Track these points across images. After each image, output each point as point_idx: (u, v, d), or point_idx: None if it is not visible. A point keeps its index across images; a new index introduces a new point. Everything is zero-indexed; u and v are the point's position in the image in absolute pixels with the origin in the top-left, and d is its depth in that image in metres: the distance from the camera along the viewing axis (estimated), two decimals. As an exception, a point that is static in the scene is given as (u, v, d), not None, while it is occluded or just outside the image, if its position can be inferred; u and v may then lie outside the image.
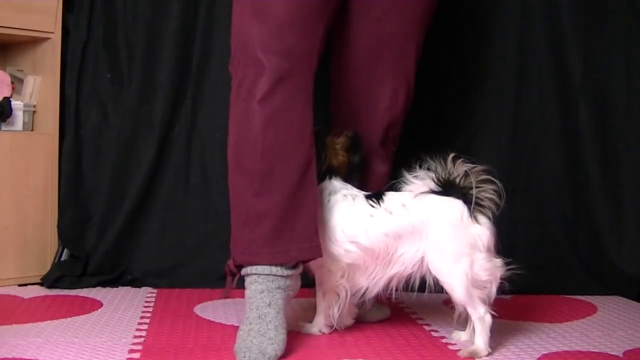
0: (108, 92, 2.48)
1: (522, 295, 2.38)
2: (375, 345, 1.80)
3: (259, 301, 1.70)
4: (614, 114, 2.57)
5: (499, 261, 1.80)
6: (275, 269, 1.71)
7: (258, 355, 1.63)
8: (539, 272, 2.53)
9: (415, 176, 1.81)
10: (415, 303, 2.26)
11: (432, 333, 1.92)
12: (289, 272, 1.73)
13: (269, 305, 1.69)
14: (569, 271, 2.54)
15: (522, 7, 2.57)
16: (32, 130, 2.43)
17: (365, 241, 1.80)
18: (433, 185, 1.80)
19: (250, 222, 1.73)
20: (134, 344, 1.75)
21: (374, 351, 1.75)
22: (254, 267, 1.72)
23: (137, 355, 1.66)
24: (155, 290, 2.33)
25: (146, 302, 2.19)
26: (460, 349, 1.77)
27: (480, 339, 1.75)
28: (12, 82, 2.45)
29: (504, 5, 2.57)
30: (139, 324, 1.93)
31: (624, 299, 2.39)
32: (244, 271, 1.75)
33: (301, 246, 1.73)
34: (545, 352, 1.77)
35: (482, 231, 1.78)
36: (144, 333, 1.84)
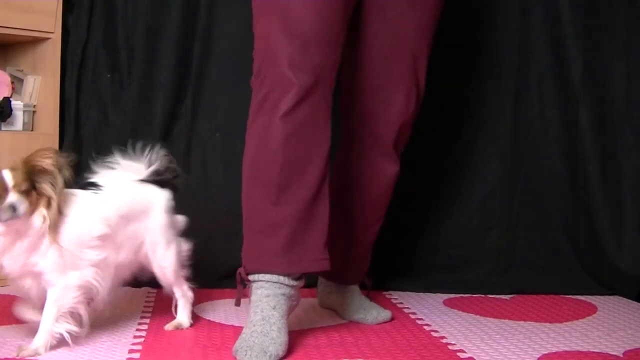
0: (108, 92, 2.48)
1: (522, 295, 2.39)
2: (375, 345, 1.80)
3: (264, 304, 1.72)
4: (614, 114, 2.57)
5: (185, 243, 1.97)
6: (283, 278, 1.74)
7: (260, 353, 1.63)
8: (539, 272, 2.53)
9: (120, 165, 1.90)
10: (415, 303, 2.26)
11: (432, 333, 1.92)
12: (295, 282, 1.76)
13: (273, 309, 1.72)
14: (569, 271, 2.54)
15: (522, 7, 2.57)
16: (32, 130, 2.43)
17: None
18: (141, 174, 1.90)
19: (265, 231, 1.76)
20: (134, 344, 1.75)
21: (374, 351, 1.75)
22: (264, 274, 1.75)
23: (137, 355, 1.66)
24: (155, 290, 2.33)
25: (146, 302, 2.19)
26: (462, 348, 1.77)
27: (184, 313, 1.93)
28: (12, 82, 2.45)
29: (504, 5, 2.57)
30: (139, 324, 1.93)
31: (624, 299, 2.39)
32: (252, 277, 1.76)
33: (314, 257, 1.77)
34: (545, 352, 1.77)
35: (182, 217, 1.96)
36: (144, 333, 1.84)
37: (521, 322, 2.06)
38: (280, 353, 1.67)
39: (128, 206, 1.83)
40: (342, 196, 2.03)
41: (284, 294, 1.74)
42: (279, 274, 1.74)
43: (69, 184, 1.72)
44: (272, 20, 1.75)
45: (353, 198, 2.04)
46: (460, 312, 2.17)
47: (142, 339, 1.78)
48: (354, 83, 1.96)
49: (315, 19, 1.73)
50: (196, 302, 2.19)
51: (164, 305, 2.15)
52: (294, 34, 1.72)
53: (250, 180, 1.79)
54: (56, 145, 2.42)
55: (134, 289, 2.36)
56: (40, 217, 1.64)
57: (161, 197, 1.90)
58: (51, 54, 2.41)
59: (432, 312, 2.15)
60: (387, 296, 2.32)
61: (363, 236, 2.07)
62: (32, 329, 1.69)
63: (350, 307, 2.06)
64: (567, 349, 1.80)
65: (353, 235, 2.06)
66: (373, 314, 2.03)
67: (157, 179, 1.92)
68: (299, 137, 1.73)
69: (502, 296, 2.39)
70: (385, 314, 2.04)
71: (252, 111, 1.78)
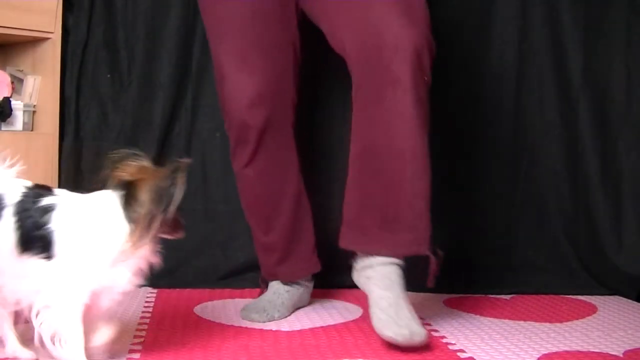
0: (108, 92, 2.48)
1: (522, 295, 2.39)
2: (375, 345, 1.80)
3: (279, 286, 2.10)
4: (614, 114, 2.57)
5: None
6: (285, 284, 2.12)
7: (259, 310, 2.01)
8: (539, 272, 2.53)
9: None
10: (416, 303, 2.25)
11: (432, 333, 1.92)
12: (301, 283, 2.14)
13: (287, 292, 2.09)
14: (569, 271, 2.54)
15: (522, 7, 2.57)
16: (32, 130, 2.43)
17: None
18: None
19: (264, 251, 2.13)
20: (134, 344, 1.74)
21: (374, 351, 1.75)
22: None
23: (137, 355, 1.66)
24: (155, 290, 2.33)
25: (146, 302, 2.19)
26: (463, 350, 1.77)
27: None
28: (12, 82, 2.45)
29: (504, 5, 2.57)
30: (139, 324, 1.93)
31: (624, 299, 2.39)
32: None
33: (303, 266, 2.12)
34: (545, 352, 1.77)
35: None
36: (144, 333, 1.84)
37: (521, 322, 2.06)
38: (276, 317, 2.01)
39: None
40: (369, 152, 1.80)
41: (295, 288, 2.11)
42: (280, 283, 2.11)
43: None
44: (220, 84, 1.98)
45: (380, 149, 1.77)
46: (460, 312, 2.16)
47: (142, 339, 1.78)
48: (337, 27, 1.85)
49: (256, 82, 1.93)
50: (196, 302, 2.20)
51: (163, 305, 2.16)
52: (238, 96, 1.94)
53: (244, 210, 2.11)
54: (56, 145, 2.42)
55: (133, 289, 2.37)
56: None
57: None
58: (51, 54, 2.41)
59: (432, 312, 2.15)
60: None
61: (406, 193, 1.76)
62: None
63: (382, 317, 1.73)
64: (567, 349, 1.80)
65: (394, 193, 1.77)
66: (404, 333, 1.67)
67: None
68: (266, 177, 2.02)
69: (502, 296, 2.39)
70: (420, 335, 1.68)
71: (230, 156, 2.05)
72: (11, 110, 2.36)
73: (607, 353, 1.77)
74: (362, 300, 2.23)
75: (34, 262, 1.47)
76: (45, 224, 1.47)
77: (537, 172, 2.60)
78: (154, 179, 1.48)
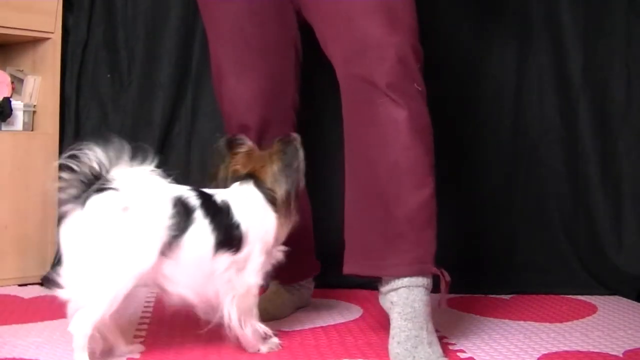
0: (108, 92, 2.48)
1: (522, 295, 2.38)
2: (375, 345, 1.80)
3: (280, 286, 2.11)
4: (614, 114, 2.57)
5: None
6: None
7: (261, 312, 1.83)
8: (539, 272, 2.53)
9: None
10: (415, 303, 2.26)
11: (432, 333, 1.92)
12: (302, 283, 2.16)
13: (288, 292, 2.11)
14: (569, 271, 2.54)
15: (522, 7, 2.57)
16: (32, 130, 2.43)
17: None
18: None
19: None
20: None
21: (374, 351, 1.75)
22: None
23: (137, 355, 1.66)
24: (155, 290, 2.33)
25: (146, 302, 2.19)
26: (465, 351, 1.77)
27: None
28: (12, 82, 2.45)
29: (504, 5, 2.57)
30: (139, 324, 1.93)
31: (624, 299, 2.39)
32: None
33: (305, 268, 2.14)
34: (545, 352, 1.77)
35: None
36: (144, 333, 1.84)
37: (521, 322, 2.06)
38: (278, 315, 2.01)
39: None
40: (362, 167, 1.73)
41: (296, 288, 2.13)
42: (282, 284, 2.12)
43: None
44: (218, 85, 1.96)
45: (373, 163, 1.69)
46: (460, 312, 2.16)
47: (142, 339, 1.78)
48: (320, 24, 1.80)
49: (251, 83, 1.91)
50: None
51: (163, 305, 2.15)
52: (234, 98, 1.92)
53: None
54: (56, 145, 2.42)
55: (133, 288, 2.37)
56: None
57: None
58: (51, 54, 2.41)
59: (432, 312, 2.14)
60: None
61: (399, 210, 1.66)
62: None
63: (398, 351, 1.63)
64: (567, 349, 1.80)
65: (391, 209, 1.67)
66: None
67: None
68: None
69: (502, 296, 2.39)
70: None
71: None
72: (11, 110, 2.36)
73: (607, 353, 1.77)
74: (362, 301, 2.23)
75: (225, 259, 1.61)
76: (235, 222, 1.62)
77: (537, 172, 2.60)
78: (273, 162, 1.66)
